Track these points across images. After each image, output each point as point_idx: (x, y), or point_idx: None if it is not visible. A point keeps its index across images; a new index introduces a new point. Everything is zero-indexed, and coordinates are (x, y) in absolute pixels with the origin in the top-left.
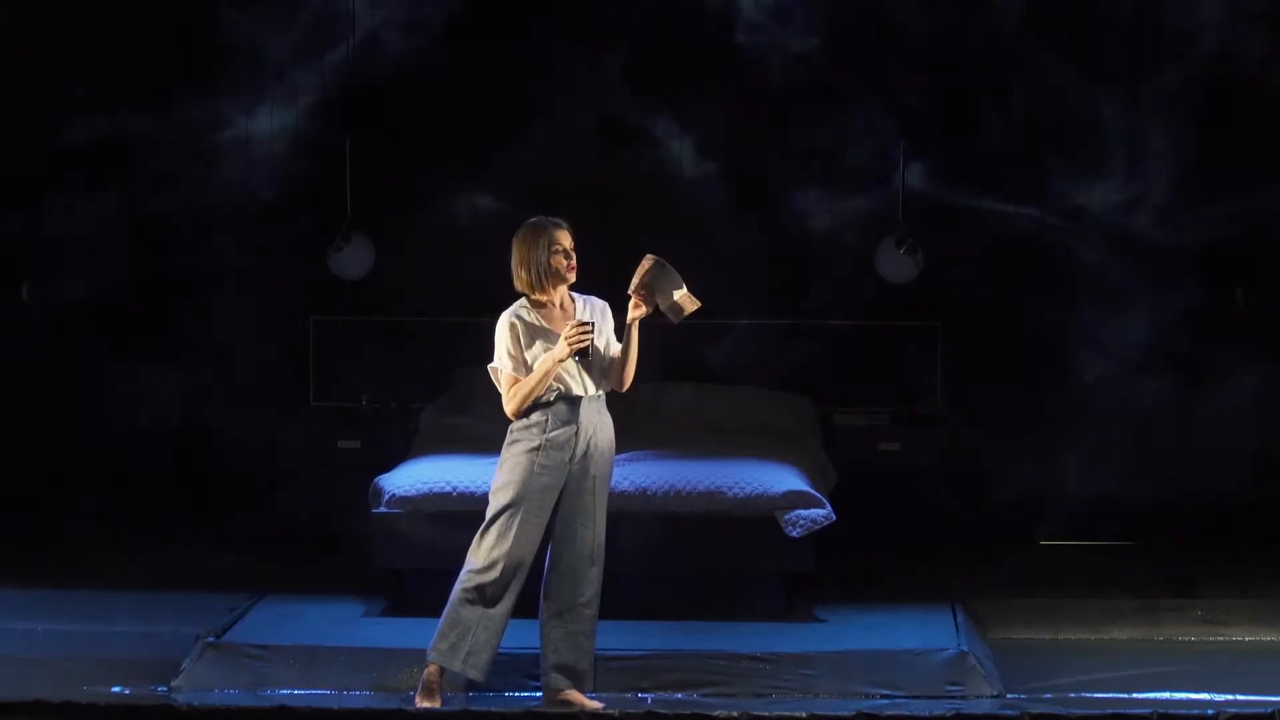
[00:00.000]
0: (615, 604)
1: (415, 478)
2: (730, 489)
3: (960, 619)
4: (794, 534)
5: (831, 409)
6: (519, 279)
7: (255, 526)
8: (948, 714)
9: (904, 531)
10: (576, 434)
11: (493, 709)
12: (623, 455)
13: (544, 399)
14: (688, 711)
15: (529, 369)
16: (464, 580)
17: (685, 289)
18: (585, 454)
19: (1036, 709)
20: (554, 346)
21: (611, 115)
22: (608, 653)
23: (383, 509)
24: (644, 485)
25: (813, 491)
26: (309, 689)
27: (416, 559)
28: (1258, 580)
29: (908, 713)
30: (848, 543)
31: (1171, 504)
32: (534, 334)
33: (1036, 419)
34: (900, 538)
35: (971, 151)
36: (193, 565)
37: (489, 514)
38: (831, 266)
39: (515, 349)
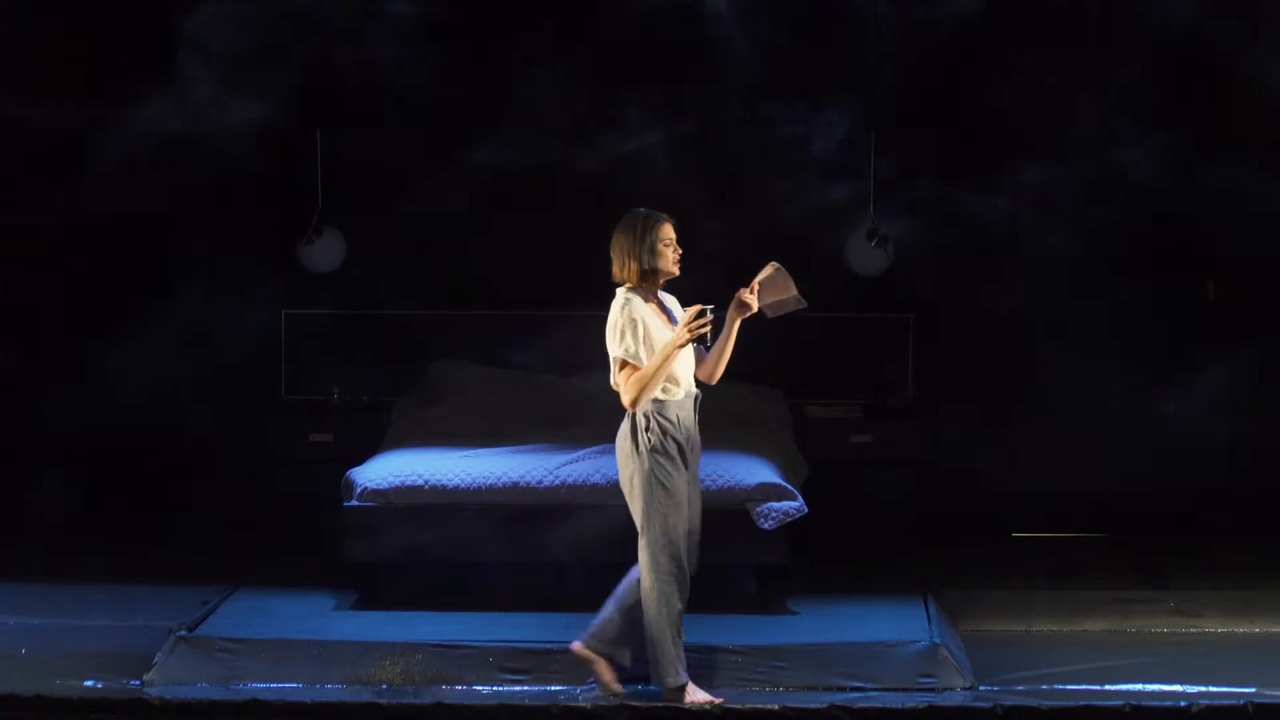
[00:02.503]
0: (588, 597)
1: (387, 471)
2: (702, 481)
3: (933, 611)
4: (766, 526)
5: (803, 401)
6: (625, 269)
7: (227, 520)
8: (920, 706)
9: (876, 524)
10: (693, 427)
11: (466, 702)
12: (595, 448)
13: (672, 395)
14: (660, 704)
15: (645, 359)
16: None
17: (796, 291)
18: (694, 447)
19: (1009, 701)
20: (659, 338)
21: (583, 108)
22: None
23: (354, 502)
24: (616, 477)
25: (785, 484)
26: (281, 682)
27: (388, 552)
28: (1230, 572)
29: (880, 705)
30: (820, 535)
31: (1144, 496)
32: (647, 325)
33: (1008, 411)
34: (872, 530)
35: (942, 143)
36: (164, 559)
37: (654, 529)
38: (802, 259)
39: (635, 338)
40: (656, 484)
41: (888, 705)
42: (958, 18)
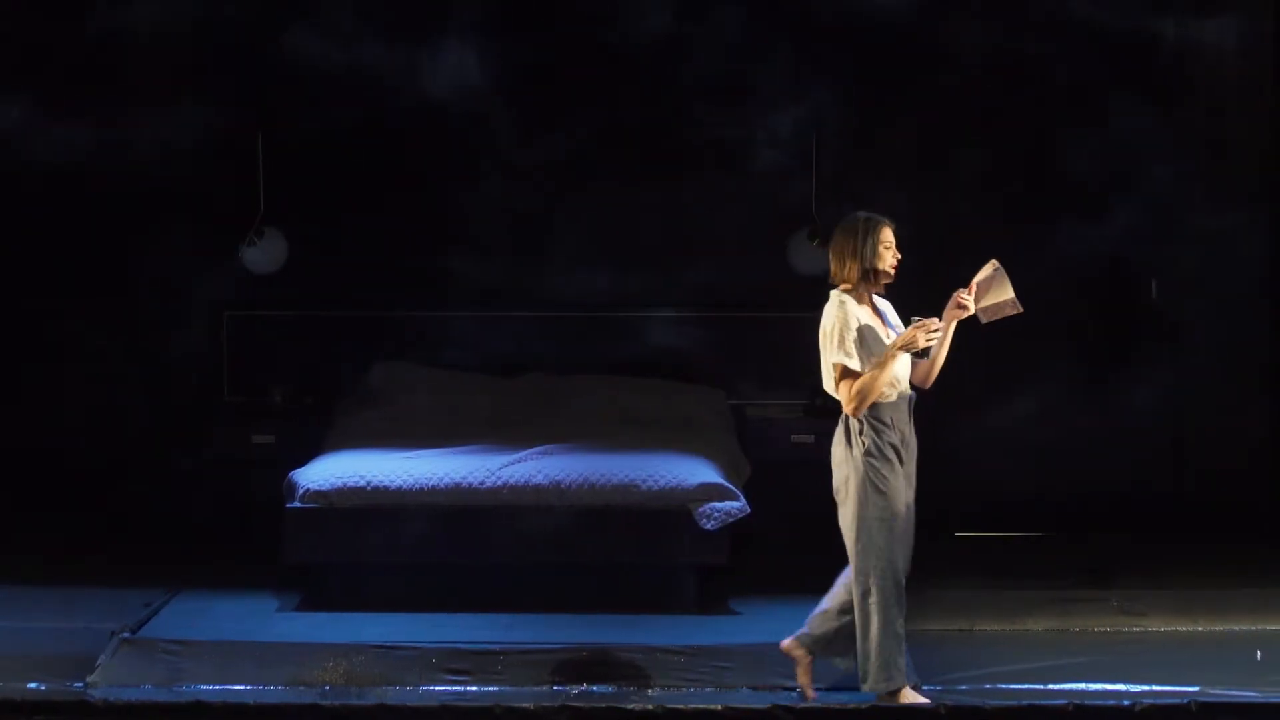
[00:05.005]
0: (530, 597)
1: (329, 472)
2: (644, 481)
3: None
4: (708, 526)
5: (744, 401)
6: (846, 271)
7: (168, 522)
8: (863, 706)
9: (819, 524)
10: (909, 429)
11: (408, 703)
12: (537, 449)
13: (886, 397)
14: (603, 705)
15: (862, 365)
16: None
17: (1013, 294)
18: (909, 448)
19: (952, 700)
20: (875, 342)
21: (524, 109)
22: (522, 646)
23: (296, 504)
24: (558, 478)
25: (726, 484)
26: (224, 684)
27: (330, 553)
28: (1173, 571)
29: (822, 705)
30: (762, 535)
31: (1087, 496)
32: (864, 330)
33: (951, 411)
34: (814, 530)
35: (885, 142)
36: (107, 561)
37: (866, 536)
38: (744, 259)
39: (853, 344)
40: (872, 489)
41: (830, 705)
42: (903, 17)
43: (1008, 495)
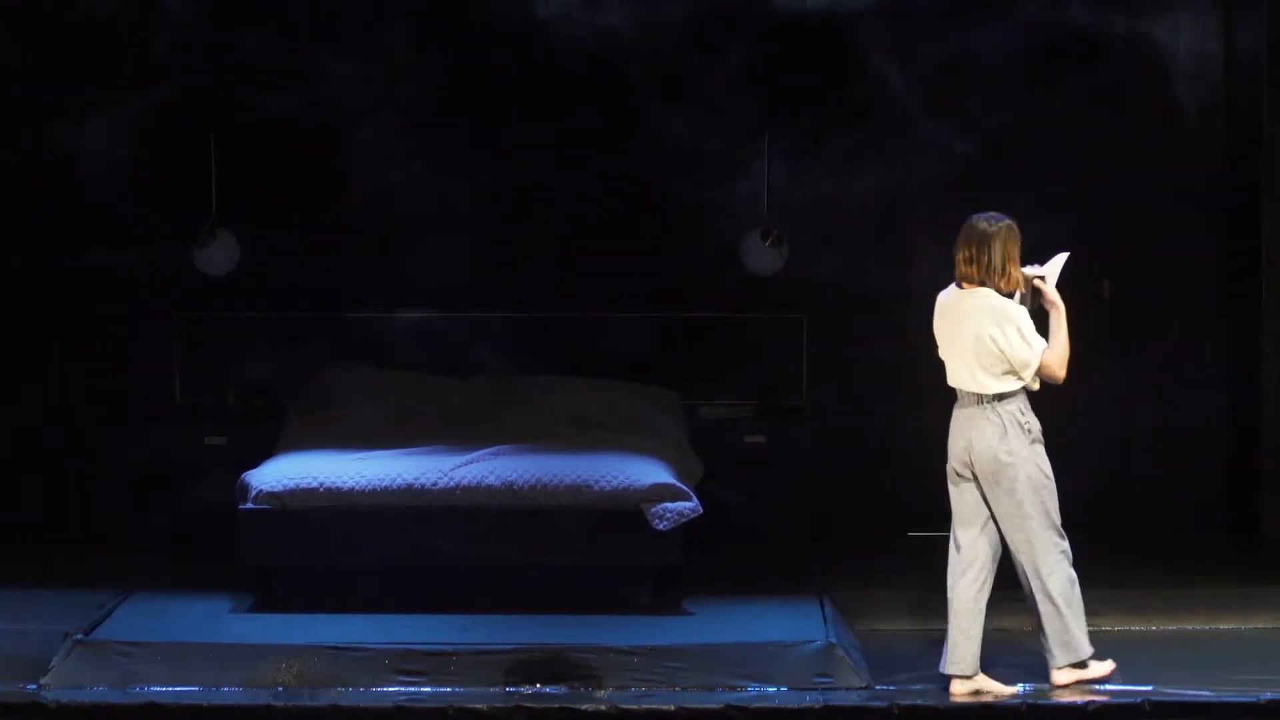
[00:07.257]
0: (483, 598)
1: (282, 473)
2: (597, 482)
3: (828, 611)
4: (661, 527)
5: (697, 402)
6: (1002, 272)
7: (122, 523)
8: (816, 706)
9: (771, 524)
10: None
11: (361, 704)
12: (489, 449)
13: (1032, 386)
14: (555, 705)
15: None
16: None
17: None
18: None
19: (905, 700)
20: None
21: (477, 110)
22: (475, 647)
23: (249, 505)
24: (511, 479)
25: (679, 484)
26: (177, 685)
27: (284, 555)
28: (1125, 571)
29: (776, 705)
30: (715, 536)
31: None
32: None
33: (901, 411)
34: (767, 530)
35: (837, 142)
36: (60, 563)
37: (1049, 518)
38: (697, 259)
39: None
40: (1041, 474)
41: (784, 705)
42: (856, 16)
43: None
